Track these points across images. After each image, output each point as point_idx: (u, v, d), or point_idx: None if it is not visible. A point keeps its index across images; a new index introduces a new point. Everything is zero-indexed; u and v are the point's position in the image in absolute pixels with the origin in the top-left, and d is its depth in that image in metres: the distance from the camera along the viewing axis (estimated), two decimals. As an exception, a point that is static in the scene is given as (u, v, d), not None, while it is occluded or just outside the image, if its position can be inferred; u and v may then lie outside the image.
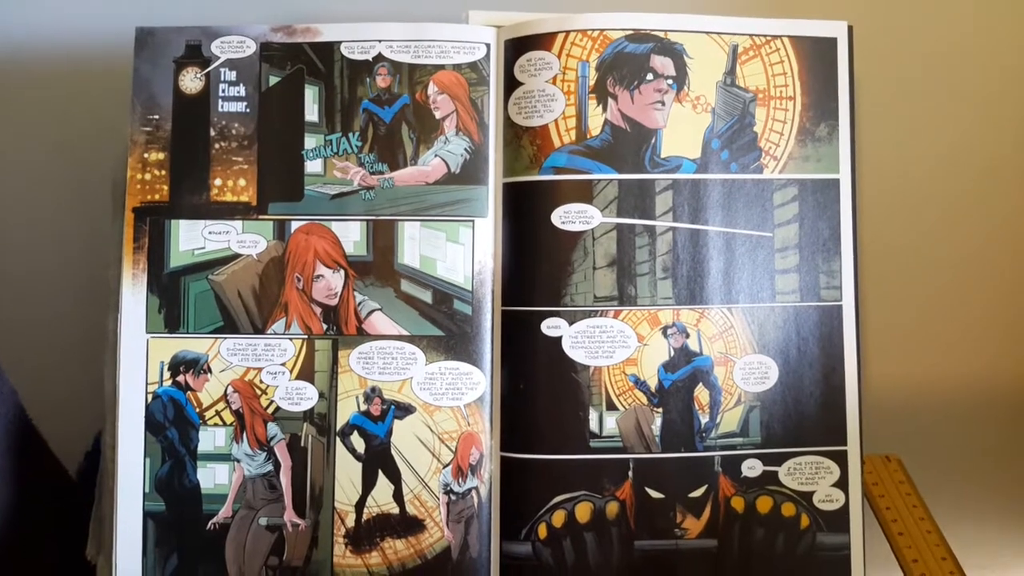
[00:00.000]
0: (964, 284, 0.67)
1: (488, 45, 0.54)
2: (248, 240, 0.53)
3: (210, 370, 0.52)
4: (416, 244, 0.53)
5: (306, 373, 0.53)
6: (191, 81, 0.54)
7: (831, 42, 0.55)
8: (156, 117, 0.53)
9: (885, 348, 0.66)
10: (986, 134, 0.67)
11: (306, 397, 0.52)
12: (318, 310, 0.53)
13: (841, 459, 0.53)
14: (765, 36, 0.54)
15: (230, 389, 0.52)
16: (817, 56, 0.54)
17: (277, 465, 0.52)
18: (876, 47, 0.64)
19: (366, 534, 0.52)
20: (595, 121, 0.53)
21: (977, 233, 0.67)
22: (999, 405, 0.68)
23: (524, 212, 0.53)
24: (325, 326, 0.53)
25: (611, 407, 0.52)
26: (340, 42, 0.54)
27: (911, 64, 0.67)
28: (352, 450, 0.52)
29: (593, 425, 0.52)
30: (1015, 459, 0.68)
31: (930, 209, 0.67)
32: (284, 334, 0.53)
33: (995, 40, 0.67)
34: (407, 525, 0.52)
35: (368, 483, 0.52)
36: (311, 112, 0.54)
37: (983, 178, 0.67)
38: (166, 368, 0.52)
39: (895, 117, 0.67)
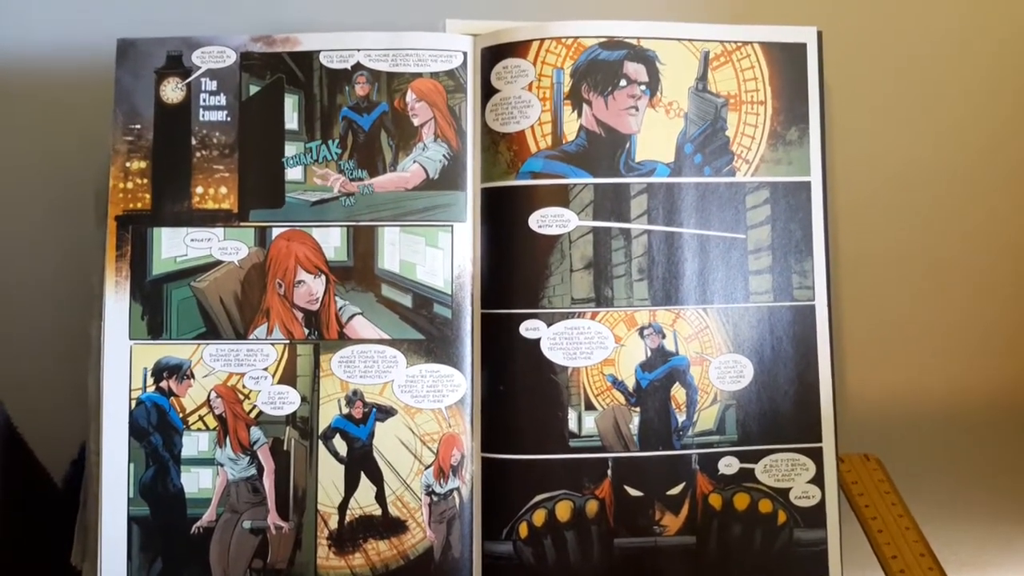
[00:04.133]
0: (941, 286, 0.68)
1: (465, 53, 0.55)
2: (230, 247, 0.54)
3: (193, 376, 0.53)
4: (396, 249, 0.54)
5: (288, 377, 0.53)
6: (172, 91, 0.55)
7: (801, 47, 0.56)
8: (138, 127, 0.54)
9: (864, 350, 0.67)
10: (958, 137, 0.68)
11: (288, 401, 0.53)
12: (300, 315, 0.54)
13: (816, 456, 0.54)
14: (736, 42, 0.55)
15: (213, 394, 0.53)
16: (787, 61, 0.55)
17: (260, 469, 0.53)
18: (846, 52, 0.65)
19: (349, 536, 0.52)
20: (570, 127, 0.54)
21: (952, 236, 0.68)
22: (978, 406, 0.68)
23: (502, 216, 0.54)
24: (307, 331, 0.53)
25: (589, 407, 0.53)
26: (319, 51, 0.55)
27: (881, 68, 0.68)
28: (335, 453, 0.53)
29: (572, 425, 0.53)
30: (994, 459, 0.68)
31: (905, 212, 0.68)
32: (266, 339, 0.53)
33: (965, 43, 0.68)
34: (390, 526, 0.53)
35: (351, 485, 0.53)
36: (291, 120, 0.54)
37: (957, 181, 0.68)
38: (149, 374, 0.53)
39: (867, 120, 0.68)
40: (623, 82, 0.54)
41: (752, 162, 0.55)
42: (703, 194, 0.54)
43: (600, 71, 0.54)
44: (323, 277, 0.54)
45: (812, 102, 0.55)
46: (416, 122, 0.54)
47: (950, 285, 0.68)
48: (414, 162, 0.54)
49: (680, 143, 0.54)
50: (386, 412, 0.53)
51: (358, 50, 0.55)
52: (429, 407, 0.53)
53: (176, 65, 0.55)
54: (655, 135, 0.54)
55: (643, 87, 0.54)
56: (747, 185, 0.54)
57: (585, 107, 0.54)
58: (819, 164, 0.55)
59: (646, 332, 0.54)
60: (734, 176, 0.54)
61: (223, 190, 0.54)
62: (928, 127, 0.68)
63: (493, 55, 0.54)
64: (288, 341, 0.53)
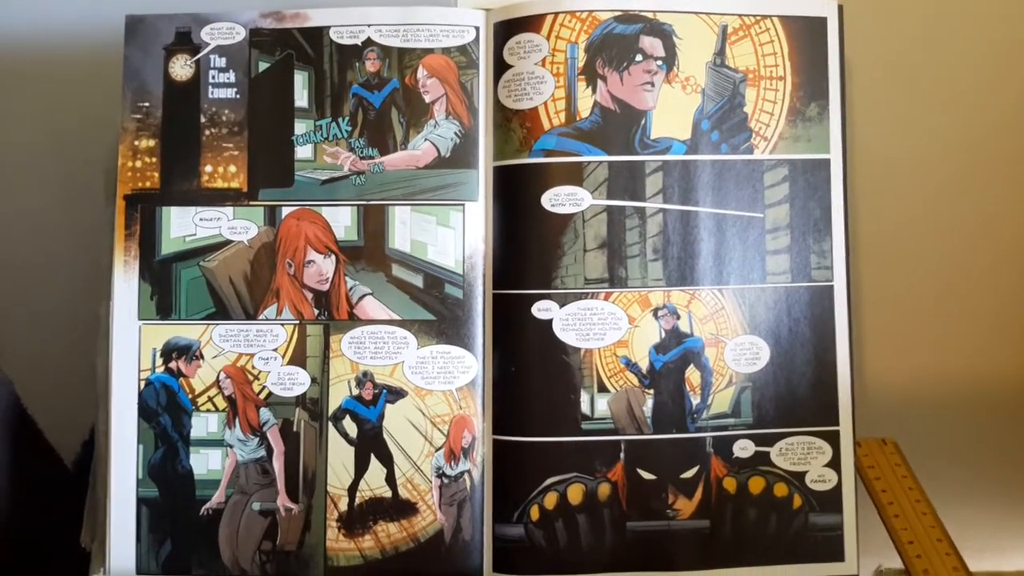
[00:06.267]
0: (962, 268, 0.67)
1: (477, 28, 0.54)
2: (239, 226, 0.53)
3: (202, 356, 0.53)
4: (407, 228, 0.53)
5: (298, 358, 0.53)
6: (181, 68, 0.54)
7: (821, 22, 0.54)
8: (146, 104, 0.54)
9: (883, 332, 0.66)
10: (980, 114, 0.67)
11: (298, 382, 0.53)
12: (309, 295, 0.53)
13: (833, 439, 0.53)
14: (755, 16, 0.54)
15: (222, 375, 0.53)
16: (807, 36, 0.54)
17: (270, 450, 0.52)
18: (867, 26, 0.64)
19: (359, 518, 0.52)
20: (584, 103, 0.53)
21: (975, 216, 0.67)
22: (998, 391, 0.67)
23: (514, 195, 0.53)
24: (316, 311, 0.53)
25: (602, 389, 0.52)
26: (329, 27, 0.54)
27: (903, 43, 0.67)
28: (344, 434, 0.52)
29: (585, 407, 0.52)
30: (1013, 446, 0.67)
31: (926, 191, 0.67)
32: (276, 320, 0.53)
33: (987, 18, 0.67)
34: (400, 508, 0.52)
35: (361, 467, 0.52)
36: (301, 98, 0.54)
37: (979, 159, 0.67)
38: (158, 354, 0.53)
39: (887, 97, 0.66)
40: (639, 57, 0.53)
41: (771, 139, 0.54)
42: (720, 172, 0.53)
43: (615, 46, 0.53)
44: (333, 257, 0.53)
45: (832, 78, 0.54)
46: (427, 99, 0.54)
47: (971, 267, 0.67)
48: (425, 140, 0.53)
49: (697, 120, 0.53)
50: (396, 393, 0.53)
51: (368, 25, 0.54)
52: (440, 389, 0.53)
53: (185, 42, 0.54)
54: (671, 111, 0.53)
55: (659, 62, 0.53)
56: (765, 163, 0.53)
57: (600, 83, 0.53)
58: (839, 141, 0.54)
59: (660, 313, 0.53)
60: (752, 153, 0.53)
61: (232, 168, 0.53)
62: (950, 104, 0.67)
63: (506, 30, 0.53)
64: (298, 321, 0.53)
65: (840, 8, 0.54)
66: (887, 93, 0.66)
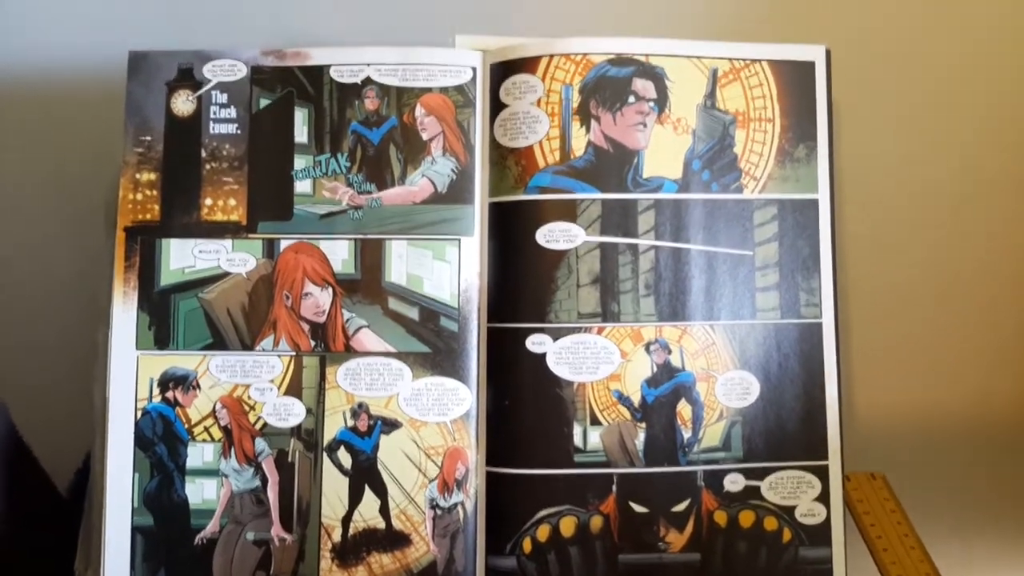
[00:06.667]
0: (950, 306, 0.68)
1: (474, 68, 0.55)
2: (238, 258, 0.54)
3: (199, 386, 0.53)
4: (403, 262, 0.54)
5: (294, 389, 0.53)
6: (183, 103, 0.55)
7: (809, 66, 0.56)
8: (148, 138, 0.54)
9: (871, 368, 0.67)
10: (967, 155, 0.68)
11: (294, 413, 0.53)
12: (306, 327, 0.54)
13: (823, 473, 0.54)
14: (744, 60, 0.55)
15: (218, 405, 0.53)
16: (795, 79, 0.56)
17: (265, 480, 0.53)
18: (855, 70, 0.65)
19: (352, 548, 0.52)
20: (578, 142, 0.54)
21: (961, 254, 0.68)
22: (987, 426, 0.68)
23: (509, 231, 0.54)
24: (313, 343, 0.53)
25: (595, 422, 0.53)
26: (329, 65, 0.55)
27: (890, 86, 0.68)
28: (339, 465, 0.53)
29: (577, 440, 0.53)
30: (1002, 480, 0.68)
31: (913, 230, 0.68)
32: (272, 351, 0.53)
33: (974, 63, 0.68)
34: (393, 539, 0.52)
35: (355, 498, 0.53)
36: (301, 134, 0.55)
37: (965, 199, 0.68)
38: (155, 384, 0.53)
39: (875, 138, 0.68)
40: (631, 98, 0.54)
41: (760, 179, 0.55)
42: (711, 210, 0.54)
43: (609, 87, 0.54)
44: (330, 289, 0.54)
45: (820, 120, 0.56)
46: (425, 136, 0.55)
47: (959, 305, 0.68)
48: (422, 176, 0.54)
49: (688, 159, 0.54)
50: (391, 425, 0.53)
51: (368, 65, 0.55)
52: (434, 420, 0.53)
53: (187, 78, 0.55)
54: (663, 151, 0.54)
55: (651, 103, 0.54)
56: (755, 202, 0.55)
57: (593, 123, 0.54)
58: (827, 182, 0.55)
59: (652, 348, 0.54)
60: (742, 193, 0.55)
61: (232, 202, 0.54)
62: (937, 145, 0.68)
63: (502, 71, 0.55)
64: (294, 353, 0.53)
65: (828, 52, 0.56)
66: (874, 134, 0.68)
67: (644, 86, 0.54)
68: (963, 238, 0.68)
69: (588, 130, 0.54)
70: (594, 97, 0.54)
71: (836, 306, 0.55)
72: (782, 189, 0.55)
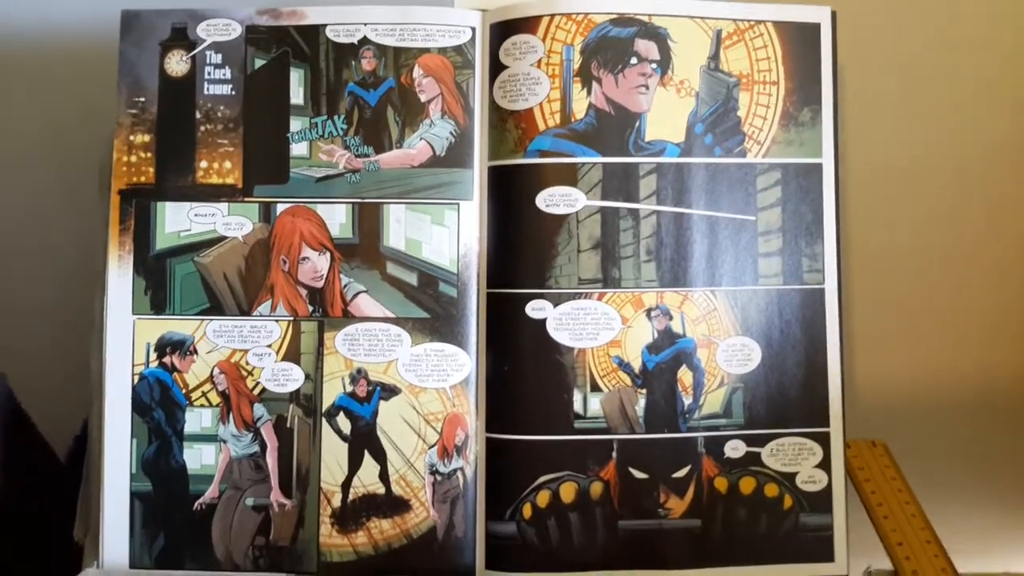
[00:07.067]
0: (953, 272, 0.68)
1: (473, 29, 0.54)
2: (234, 222, 0.53)
3: (196, 351, 0.53)
4: (402, 227, 0.53)
5: (292, 355, 0.53)
6: (177, 64, 0.54)
7: (814, 27, 0.55)
8: (142, 100, 0.54)
9: (873, 335, 0.67)
10: (972, 120, 0.67)
11: (292, 378, 0.53)
12: (304, 292, 0.53)
13: (824, 440, 0.54)
14: (749, 21, 0.54)
15: (216, 370, 0.53)
16: (800, 41, 0.55)
17: (263, 446, 0.53)
18: (860, 32, 0.64)
19: (352, 514, 0.52)
20: (579, 105, 0.53)
21: (965, 221, 0.68)
22: (988, 393, 0.68)
23: (509, 195, 0.53)
24: (311, 308, 0.53)
25: (595, 388, 0.53)
26: (325, 25, 0.54)
27: (896, 48, 0.67)
28: (338, 431, 0.53)
29: (577, 406, 0.52)
30: (1002, 447, 0.68)
31: (918, 195, 0.67)
32: (270, 316, 0.53)
33: (981, 25, 0.68)
34: (393, 505, 0.52)
35: (354, 464, 0.52)
36: (296, 95, 0.54)
37: (970, 165, 0.67)
38: (152, 349, 0.53)
39: (880, 102, 0.67)
40: (634, 60, 0.53)
41: (763, 143, 0.54)
42: (713, 175, 0.53)
43: (611, 48, 0.53)
44: (328, 254, 0.53)
45: (825, 83, 0.55)
46: (423, 98, 0.54)
47: (962, 271, 0.67)
48: (421, 139, 0.54)
49: (691, 123, 0.54)
50: (390, 391, 0.53)
51: (365, 24, 0.54)
52: (433, 386, 0.53)
53: (181, 38, 0.54)
54: (665, 114, 0.53)
55: (654, 65, 0.53)
56: (758, 166, 0.54)
57: (595, 85, 0.53)
58: (831, 146, 0.54)
59: (653, 314, 0.53)
60: (745, 157, 0.54)
61: (227, 164, 0.53)
62: (942, 109, 0.67)
63: (502, 31, 0.54)
64: (292, 318, 0.53)
65: (834, 14, 0.55)
66: (880, 98, 0.67)
67: (647, 47, 0.53)
68: (967, 204, 0.67)
69: (589, 92, 0.53)
70: (596, 58, 0.53)
71: (839, 272, 0.54)
72: (786, 153, 0.54)
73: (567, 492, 0.52)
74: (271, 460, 0.52)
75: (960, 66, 0.67)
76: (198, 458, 0.52)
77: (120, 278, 0.53)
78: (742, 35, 0.54)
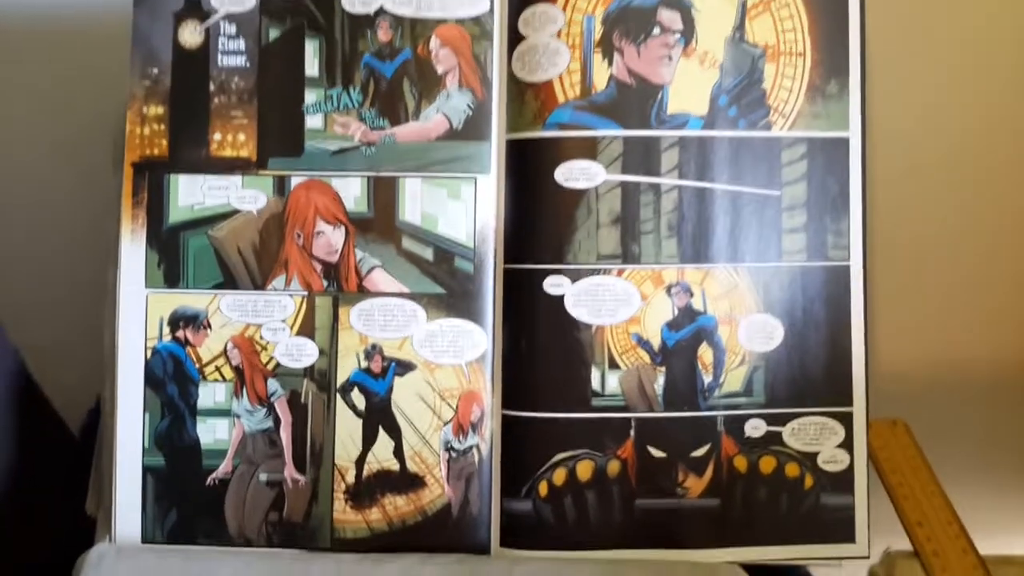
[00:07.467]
0: (980, 252, 0.67)
1: (492, -1, 0.53)
2: (248, 196, 0.52)
3: (210, 326, 0.52)
4: (417, 201, 0.52)
5: (306, 330, 0.52)
6: (191, 35, 0.53)
7: (842, -3, 0.53)
8: (155, 71, 0.53)
9: (896, 316, 0.66)
10: (1004, 94, 0.66)
11: (306, 353, 0.52)
12: (318, 266, 0.52)
13: (846, 420, 0.53)
14: (775, -10, 0.53)
15: (230, 345, 0.52)
16: (828, 11, 0.53)
17: (277, 421, 0.52)
18: (890, 3, 0.63)
19: (366, 490, 0.52)
20: (600, 76, 0.52)
21: (994, 198, 0.67)
22: (1011, 375, 0.67)
23: (527, 169, 0.52)
24: (325, 283, 0.52)
25: (613, 366, 0.52)
26: (341, -6, 0.53)
27: (926, 21, 0.66)
28: (353, 407, 0.52)
29: (595, 384, 0.52)
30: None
31: (946, 172, 0.66)
32: (284, 290, 0.52)
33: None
34: (407, 482, 0.52)
35: (368, 440, 0.52)
36: (311, 67, 0.53)
37: (1001, 141, 0.66)
38: (165, 323, 0.52)
39: (909, 75, 0.66)
40: (656, 30, 0.52)
41: (789, 116, 0.53)
42: (737, 148, 0.52)
43: (633, 18, 0.52)
44: (343, 228, 0.52)
45: (853, 55, 0.53)
46: (440, 70, 0.53)
47: (989, 250, 0.66)
48: (437, 111, 0.53)
49: (714, 95, 0.52)
50: (405, 367, 0.52)
51: (381, -6, 0.53)
52: (449, 363, 0.52)
53: (195, 8, 0.53)
54: (688, 86, 0.52)
55: (677, 36, 0.52)
56: (783, 140, 0.53)
57: (616, 56, 0.52)
58: (859, 120, 0.53)
59: (673, 290, 0.52)
60: (770, 130, 0.53)
61: (241, 137, 0.53)
62: (974, 84, 0.66)
63: (521, 1, 0.53)
64: (306, 293, 0.52)
65: (862, -16, 0.54)
66: (909, 72, 0.65)
67: (670, 17, 0.52)
68: (997, 181, 0.66)
69: (610, 63, 0.52)
70: (617, 28, 0.52)
71: (865, 249, 0.53)
72: (812, 127, 0.53)
73: (584, 470, 0.52)
74: (285, 435, 0.52)
75: (992, 38, 0.66)
76: (211, 433, 0.52)
77: (133, 252, 0.52)
78: (768, 5, 0.53)
